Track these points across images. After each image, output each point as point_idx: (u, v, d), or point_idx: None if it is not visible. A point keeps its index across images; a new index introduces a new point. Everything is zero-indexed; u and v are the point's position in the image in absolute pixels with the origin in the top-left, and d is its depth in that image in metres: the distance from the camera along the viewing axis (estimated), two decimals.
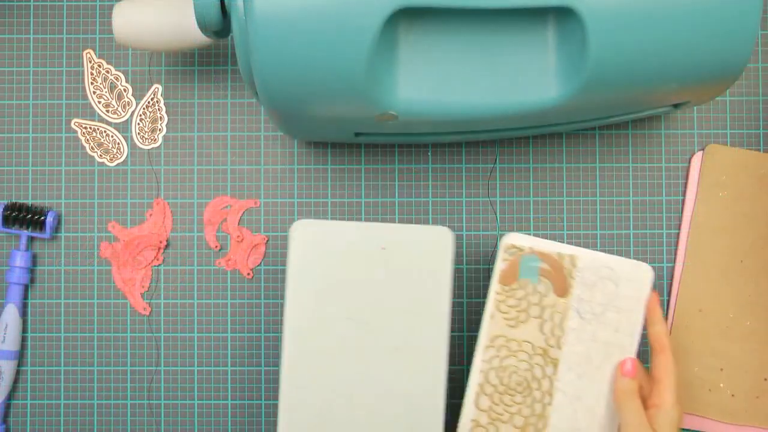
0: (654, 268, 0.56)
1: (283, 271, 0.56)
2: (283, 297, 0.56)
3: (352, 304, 0.48)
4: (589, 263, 0.48)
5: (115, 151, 0.56)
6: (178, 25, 0.48)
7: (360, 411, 0.48)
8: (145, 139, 0.56)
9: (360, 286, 0.48)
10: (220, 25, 0.45)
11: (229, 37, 0.56)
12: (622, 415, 0.46)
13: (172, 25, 0.48)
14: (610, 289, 0.48)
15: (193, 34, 0.48)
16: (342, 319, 0.48)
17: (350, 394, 0.48)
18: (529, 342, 0.48)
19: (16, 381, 0.56)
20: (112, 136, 0.56)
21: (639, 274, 0.48)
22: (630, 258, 0.56)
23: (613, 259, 0.48)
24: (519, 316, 0.49)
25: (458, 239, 0.56)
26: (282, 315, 0.54)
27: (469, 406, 0.48)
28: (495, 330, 0.49)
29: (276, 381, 0.56)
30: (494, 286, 0.49)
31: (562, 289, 0.49)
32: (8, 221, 0.54)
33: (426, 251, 0.48)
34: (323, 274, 0.48)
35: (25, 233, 0.55)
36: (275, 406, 0.56)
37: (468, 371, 0.55)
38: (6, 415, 0.56)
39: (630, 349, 0.47)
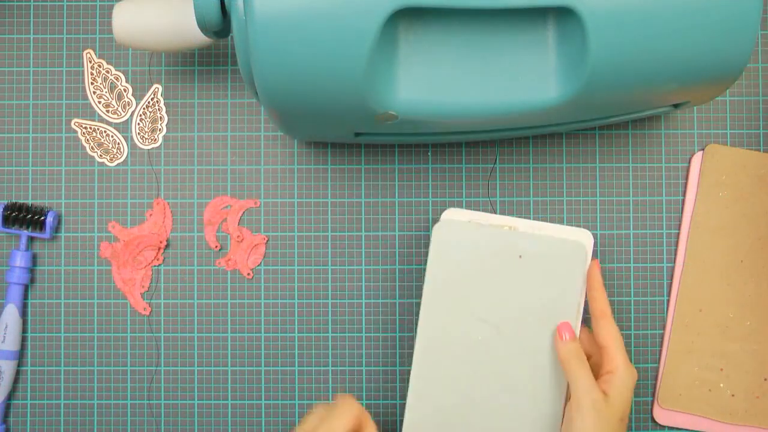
0: (655, 268, 0.56)
1: (283, 271, 0.56)
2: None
3: (484, 305, 0.49)
4: (529, 232, 0.49)
5: (115, 151, 0.56)
6: (178, 25, 0.48)
7: (484, 411, 0.49)
8: (145, 139, 0.56)
9: (493, 288, 0.49)
10: (220, 25, 0.45)
11: (229, 37, 0.56)
12: (570, 380, 0.46)
13: (172, 25, 0.48)
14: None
15: (193, 34, 0.48)
16: (474, 320, 0.49)
17: (476, 395, 0.49)
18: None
19: (16, 381, 0.56)
20: (112, 136, 0.56)
21: (580, 240, 0.49)
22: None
23: (553, 227, 0.49)
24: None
25: None
26: (416, 313, 0.55)
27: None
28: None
29: (275, 381, 0.56)
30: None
31: None
32: (8, 221, 0.54)
33: (563, 257, 0.49)
34: (460, 274, 0.49)
35: (25, 233, 0.55)
36: (275, 406, 0.56)
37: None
38: (6, 415, 0.56)
39: (574, 315, 0.48)
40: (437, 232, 0.49)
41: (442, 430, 0.49)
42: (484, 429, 0.49)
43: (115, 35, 0.48)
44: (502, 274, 0.49)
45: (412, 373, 0.50)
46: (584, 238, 0.49)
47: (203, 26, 0.45)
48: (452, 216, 0.50)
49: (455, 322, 0.49)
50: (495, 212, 0.56)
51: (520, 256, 0.49)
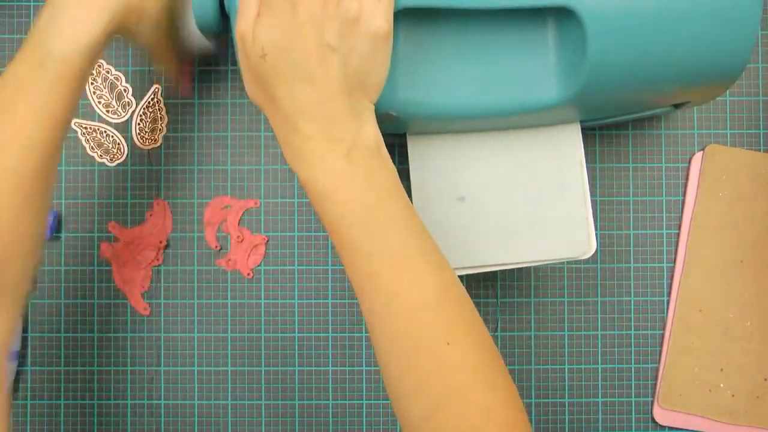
0: (655, 267, 0.56)
1: (283, 271, 0.56)
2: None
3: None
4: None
5: (115, 151, 0.56)
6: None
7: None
8: (145, 139, 0.56)
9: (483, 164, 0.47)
10: (218, 26, 0.45)
11: (229, 37, 0.56)
12: None
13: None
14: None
15: (191, 40, 0.48)
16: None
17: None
18: None
19: (16, 381, 0.56)
20: (112, 136, 0.56)
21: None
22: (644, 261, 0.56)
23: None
24: None
25: None
26: None
27: None
28: None
29: (275, 381, 0.56)
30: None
31: None
32: None
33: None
34: (444, 170, 0.47)
35: None
36: (275, 406, 0.56)
37: None
38: None
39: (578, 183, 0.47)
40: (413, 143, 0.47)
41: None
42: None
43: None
44: (494, 153, 0.46)
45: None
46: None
47: (202, 27, 0.45)
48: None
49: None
50: None
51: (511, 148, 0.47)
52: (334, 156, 0.38)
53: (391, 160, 0.40)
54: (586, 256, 0.47)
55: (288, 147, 0.39)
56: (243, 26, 0.38)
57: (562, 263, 0.56)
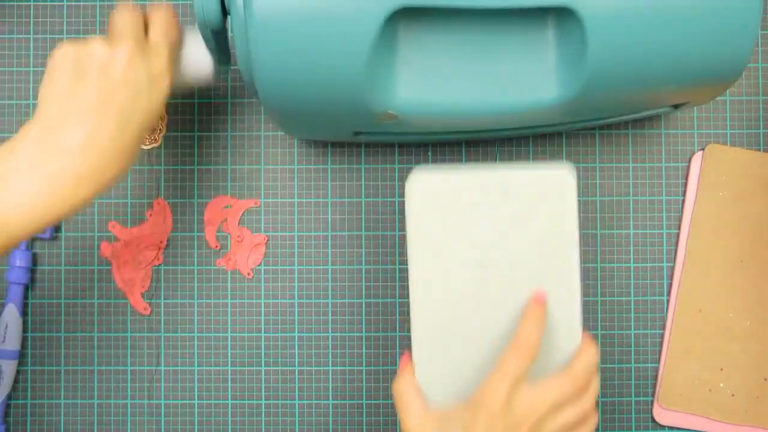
0: (655, 267, 0.56)
1: (283, 271, 0.56)
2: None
3: (474, 252, 0.46)
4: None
5: None
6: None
7: (491, 354, 0.46)
8: (145, 138, 0.56)
9: (481, 233, 0.46)
10: (220, 25, 0.45)
11: (229, 37, 0.56)
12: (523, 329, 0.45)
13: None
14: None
15: (191, 72, 0.48)
16: (466, 267, 0.46)
17: (481, 340, 0.46)
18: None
19: (16, 381, 0.56)
20: None
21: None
22: (647, 264, 0.56)
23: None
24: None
25: None
26: (407, 272, 0.52)
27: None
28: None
29: (275, 381, 0.56)
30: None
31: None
32: None
33: (550, 190, 0.45)
34: (443, 223, 0.46)
35: None
36: (275, 406, 0.56)
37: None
38: (6, 414, 0.56)
39: (572, 246, 0.46)
40: (412, 188, 0.46)
41: (456, 382, 0.47)
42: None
43: None
44: (488, 218, 0.46)
45: (412, 336, 0.47)
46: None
47: (203, 25, 0.45)
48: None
49: (448, 274, 0.46)
50: None
51: (504, 196, 0.46)
52: None
53: None
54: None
55: None
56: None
57: None
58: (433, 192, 0.46)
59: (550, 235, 0.46)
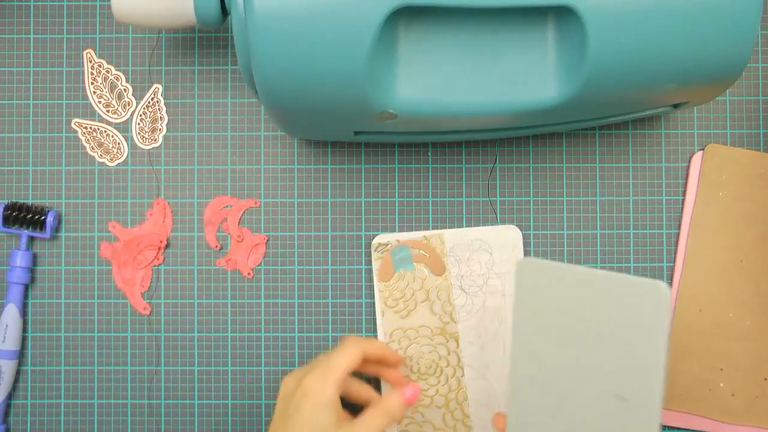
0: (655, 267, 0.56)
1: (283, 271, 0.56)
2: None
3: (569, 343, 0.46)
4: (458, 239, 0.50)
5: (115, 151, 0.56)
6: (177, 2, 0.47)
7: None
8: (145, 139, 0.56)
9: (576, 326, 0.46)
10: (220, 23, 0.45)
11: (229, 37, 0.56)
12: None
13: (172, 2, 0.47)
14: (486, 258, 0.49)
15: (191, 12, 0.47)
16: (561, 354, 0.46)
17: (564, 425, 0.46)
18: (425, 326, 0.52)
19: (16, 381, 0.56)
20: (112, 136, 0.56)
21: (509, 236, 0.50)
22: (638, 276, 0.56)
23: (480, 230, 0.51)
24: (408, 306, 0.52)
25: None
26: (510, 356, 0.52)
27: None
28: (390, 325, 0.52)
29: (275, 381, 0.56)
30: (377, 285, 0.53)
31: (440, 269, 0.52)
32: (8, 221, 0.54)
33: (642, 304, 0.45)
34: (545, 317, 0.46)
35: (25, 233, 0.55)
36: (275, 406, 0.56)
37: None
38: (6, 414, 0.56)
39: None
40: (523, 271, 0.47)
41: None
42: None
43: (114, 11, 0.47)
44: (584, 315, 0.46)
45: (508, 405, 0.47)
46: (512, 232, 0.49)
47: (203, 24, 0.45)
48: (378, 240, 0.52)
49: (545, 356, 0.46)
50: (495, 212, 0.56)
51: (601, 296, 0.46)
52: None
53: None
54: None
55: None
56: None
57: None
58: (540, 277, 0.46)
59: (639, 346, 0.45)
